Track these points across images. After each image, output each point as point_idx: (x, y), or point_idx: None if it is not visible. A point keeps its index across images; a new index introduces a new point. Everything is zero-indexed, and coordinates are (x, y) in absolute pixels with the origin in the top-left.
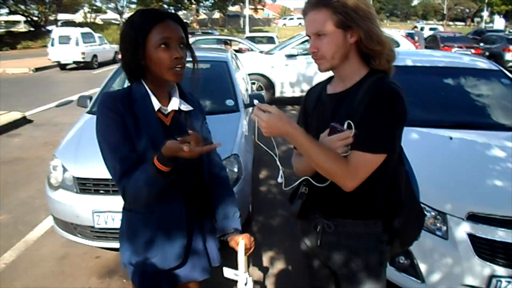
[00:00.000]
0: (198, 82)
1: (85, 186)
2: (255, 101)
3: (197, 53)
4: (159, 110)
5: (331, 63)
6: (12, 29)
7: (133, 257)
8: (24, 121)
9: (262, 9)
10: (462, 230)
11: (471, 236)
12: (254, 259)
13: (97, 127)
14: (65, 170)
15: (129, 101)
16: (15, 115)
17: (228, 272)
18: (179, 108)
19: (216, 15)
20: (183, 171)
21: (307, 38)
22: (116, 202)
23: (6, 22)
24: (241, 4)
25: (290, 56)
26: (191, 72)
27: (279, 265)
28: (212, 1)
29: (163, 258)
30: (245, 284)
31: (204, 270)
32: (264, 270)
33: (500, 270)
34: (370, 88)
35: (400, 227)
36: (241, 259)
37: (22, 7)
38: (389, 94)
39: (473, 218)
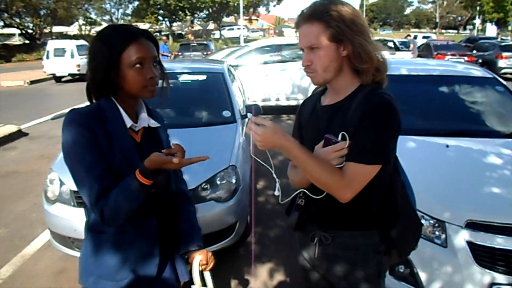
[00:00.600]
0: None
1: (82, 199)
2: (249, 115)
3: (194, 65)
4: (130, 127)
5: (323, 77)
6: (6, 42)
7: (99, 282)
8: (19, 134)
9: (257, 19)
10: (461, 238)
11: (470, 244)
12: (251, 269)
13: (67, 147)
14: (62, 183)
15: (100, 118)
16: (11, 128)
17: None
18: (148, 125)
19: (211, 26)
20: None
21: (249, 50)
22: None
23: (0, 35)
24: (236, 15)
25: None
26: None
27: (278, 277)
28: (207, 12)
29: (135, 280)
30: None
31: None
32: (263, 282)
33: (500, 278)
34: (364, 100)
35: (397, 237)
36: (196, 274)
37: (17, 20)
38: (382, 105)
39: (471, 225)
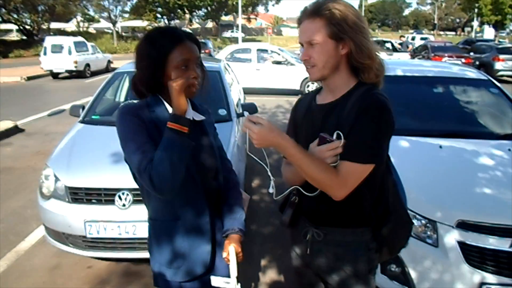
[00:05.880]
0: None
1: (77, 195)
2: (246, 113)
3: None
4: None
5: (321, 72)
6: (4, 38)
7: (161, 269)
8: (15, 130)
9: (255, 18)
10: (452, 237)
11: (461, 244)
12: (245, 267)
13: (122, 133)
14: (57, 179)
15: (148, 112)
16: (7, 124)
17: (216, 281)
18: (193, 119)
19: (209, 24)
20: (204, 176)
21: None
22: (108, 212)
23: None
24: (234, 14)
25: None
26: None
27: (271, 274)
28: (205, 10)
29: (190, 266)
30: None
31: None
32: (256, 279)
33: (490, 278)
34: (359, 100)
35: (388, 235)
36: (233, 265)
37: (15, 15)
38: (377, 106)
39: (462, 225)
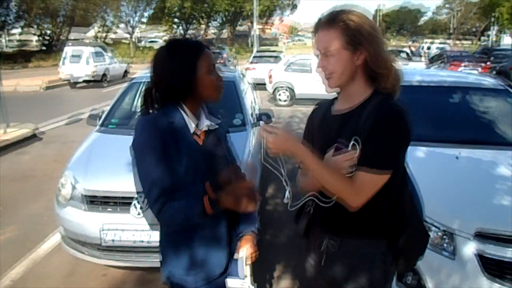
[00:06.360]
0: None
1: (94, 203)
2: (261, 122)
3: None
4: (193, 132)
5: (338, 82)
6: (24, 48)
7: (181, 276)
8: (34, 137)
9: (270, 28)
10: (470, 248)
11: (478, 255)
12: (260, 276)
13: (136, 151)
14: (74, 187)
15: (167, 124)
16: (25, 132)
17: (232, 282)
18: (207, 127)
19: (225, 34)
20: (224, 183)
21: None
22: (124, 219)
23: (19, 40)
24: (250, 23)
25: None
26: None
27: (285, 284)
28: (221, 20)
29: (208, 273)
30: None
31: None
32: None
33: None
34: (375, 109)
35: (404, 246)
36: (244, 264)
37: (35, 26)
38: (394, 115)
39: (480, 236)
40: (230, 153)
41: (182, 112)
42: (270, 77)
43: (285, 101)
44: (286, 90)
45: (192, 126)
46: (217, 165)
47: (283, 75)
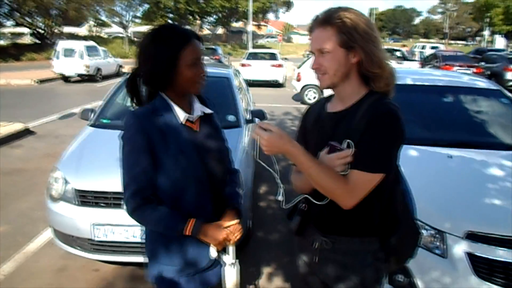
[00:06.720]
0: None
1: (86, 198)
2: (256, 120)
3: None
4: (187, 119)
5: (332, 80)
6: (17, 41)
7: (162, 266)
8: (26, 132)
9: (266, 25)
10: (461, 248)
11: (469, 255)
12: (252, 274)
13: (121, 149)
14: (66, 182)
15: (154, 117)
16: (18, 126)
17: (214, 252)
18: (203, 113)
19: (220, 30)
20: (212, 168)
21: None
22: (116, 216)
23: (12, 34)
24: (245, 20)
25: None
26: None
27: (277, 281)
28: (216, 17)
29: (198, 267)
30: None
31: None
32: (262, 286)
33: None
34: (369, 109)
35: (396, 244)
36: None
37: (28, 19)
38: (387, 115)
39: (471, 237)
40: (225, 142)
41: (172, 103)
42: (298, 75)
43: (313, 99)
44: (315, 90)
45: (182, 115)
46: (212, 153)
47: (313, 75)
